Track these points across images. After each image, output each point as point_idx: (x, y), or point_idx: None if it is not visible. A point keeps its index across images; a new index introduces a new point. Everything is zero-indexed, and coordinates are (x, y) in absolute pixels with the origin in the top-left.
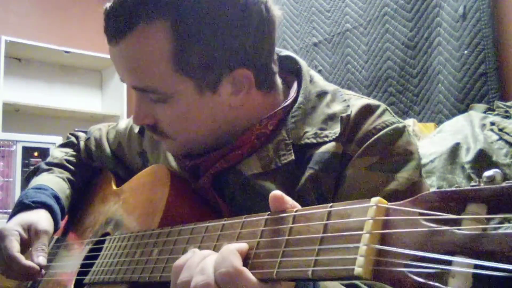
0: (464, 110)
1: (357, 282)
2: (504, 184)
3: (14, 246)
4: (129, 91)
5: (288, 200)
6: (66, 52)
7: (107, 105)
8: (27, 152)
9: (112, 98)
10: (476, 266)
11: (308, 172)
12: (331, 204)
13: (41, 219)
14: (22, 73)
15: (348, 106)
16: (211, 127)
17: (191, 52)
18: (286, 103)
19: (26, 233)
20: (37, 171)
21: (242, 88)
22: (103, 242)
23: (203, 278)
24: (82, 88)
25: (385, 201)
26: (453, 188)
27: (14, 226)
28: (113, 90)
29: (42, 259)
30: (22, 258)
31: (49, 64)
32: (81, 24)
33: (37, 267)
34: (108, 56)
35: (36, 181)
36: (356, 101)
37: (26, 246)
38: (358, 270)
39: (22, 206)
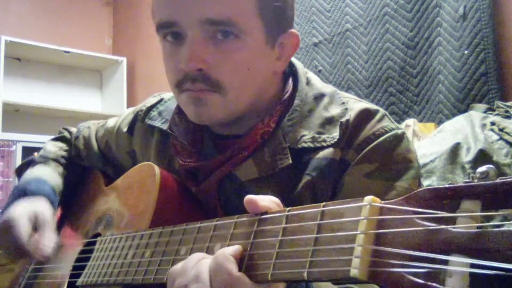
0: (465, 110)
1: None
2: (497, 180)
3: (26, 232)
4: (129, 91)
5: (262, 199)
6: (66, 52)
7: (107, 105)
8: (27, 152)
9: (112, 98)
10: (473, 265)
11: (305, 179)
12: (324, 203)
13: (45, 209)
14: (22, 73)
15: (346, 109)
16: (259, 88)
17: None
18: (284, 98)
19: (33, 221)
20: (31, 163)
21: (283, 54)
22: (94, 242)
23: (198, 286)
24: (82, 88)
25: (379, 200)
26: (447, 185)
27: (22, 215)
28: (113, 90)
29: (53, 244)
30: (31, 248)
31: (49, 64)
32: (81, 24)
33: (46, 254)
34: (108, 56)
35: (33, 172)
36: (355, 104)
37: (33, 234)
38: (354, 271)
39: (23, 194)
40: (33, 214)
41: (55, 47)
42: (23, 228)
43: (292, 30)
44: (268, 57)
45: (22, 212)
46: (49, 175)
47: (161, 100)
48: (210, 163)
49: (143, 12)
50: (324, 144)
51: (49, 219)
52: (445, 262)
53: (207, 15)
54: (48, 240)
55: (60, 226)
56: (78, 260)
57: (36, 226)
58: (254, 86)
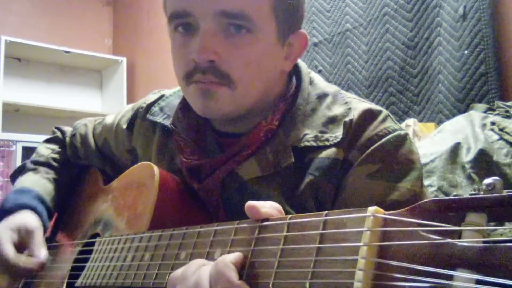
0: (465, 110)
1: None
2: (504, 193)
3: (10, 250)
4: (129, 91)
5: (263, 205)
6: (66, 52)
7: (107, 105)
8: (27, 152)
9: (112, 98)
10: (478, 281)
11: (307, 178)
12: (326, 212)
13: (28, 218)
14: (22, 73)
15: (349, 109)
16: (266, 85)
17: None
18: (287, 96)
19: (17, 234)
20: (22, 170)
21: (292, 54)
22: (93, 243)
23: None
24: (82, 88)
25: (382, 211)
26: (452, 197)
27: (5, 230)
28: (113, 90)
29: (43, 255)
30: (20, 261)
31: (49, 64)
32: (81, 24)
33: (37, 267)
34: (108, 56)
35: (21, 182)
36: (358, 104)
37: (20, 247)
38: (357, 284)
39: (4, 211)
40: (15, 226)
41: (55, 47)
42: (7, 243)
43: (301, 30)
44: (277, 55)
45: (3, 228)
46: (36, 183)
47: (162, 96)
48: (213, 161)
49: (143, 12)
50: (326, 143)
51: (33, 229)
52: (450, 277)
53: (222, 7)
54: (37, 252)
55: (57, 226)
56: (77, 260)
57: (21, 241)
58: (262, 83)
